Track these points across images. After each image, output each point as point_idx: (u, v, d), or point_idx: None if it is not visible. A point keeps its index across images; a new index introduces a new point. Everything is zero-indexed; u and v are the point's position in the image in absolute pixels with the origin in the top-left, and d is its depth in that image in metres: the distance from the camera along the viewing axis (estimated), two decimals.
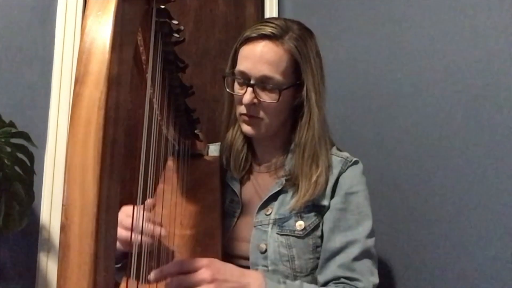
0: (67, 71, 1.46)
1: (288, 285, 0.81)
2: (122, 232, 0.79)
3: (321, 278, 0.89)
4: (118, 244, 0.83)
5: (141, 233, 0.77)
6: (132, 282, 0.69)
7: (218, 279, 0.74)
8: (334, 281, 0.88)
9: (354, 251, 0.89)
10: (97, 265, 0.42)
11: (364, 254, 0.89)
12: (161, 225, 0.82)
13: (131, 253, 0.63)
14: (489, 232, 0.95)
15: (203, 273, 0.73)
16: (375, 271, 0.90)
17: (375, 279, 0.89)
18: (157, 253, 0.82)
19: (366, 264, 0.89)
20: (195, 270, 0.73)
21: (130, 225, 0.78)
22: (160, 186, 0.95)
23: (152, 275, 0.72)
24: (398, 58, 1.23)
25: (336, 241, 0.90)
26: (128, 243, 0.79)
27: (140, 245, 0.75)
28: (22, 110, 1.40)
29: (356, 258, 0.88)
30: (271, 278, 0.82)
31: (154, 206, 0.85)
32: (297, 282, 0.85)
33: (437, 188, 1.07)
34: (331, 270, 0.88)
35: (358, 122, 1.34)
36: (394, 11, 1.25)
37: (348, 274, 0.87)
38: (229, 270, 0.77)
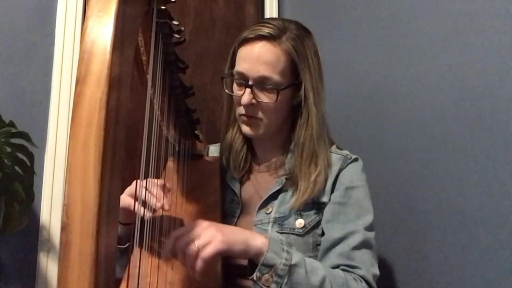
0: (67, 71, 1.46)
1: (290, 250, 0.81)
2: (126, 199, 0.83)
3: None
4: (122, 216, 0.86)
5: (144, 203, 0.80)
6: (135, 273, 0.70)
7: (225, 233, 0.75)
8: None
9: (353, 240, 0.88)
10: (97, 265, 0.42)
11: (364, 244, 0.89)
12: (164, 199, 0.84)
13: (135, 223, 0.64)
14: (489, 230, 0.95)
15: (208, 232, 0.74)
16: (375, 264, 0.90)
17: (376, 271, 0.88)
18: (160, 223, 0.84)
19: (366, 255, 0.88)
20: (198, 234, 0.74)
21: (134, 193, 0.82)
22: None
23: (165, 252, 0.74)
24: (397, 58, 1.23)
25: (335, 232, 0.89)
26: (132, 211, 0.82)
27: (143, 215, 0.78)
28: (22, 110, 1.40)
29: (356, 247, 0.88)
30: (275, 242, 0.81)
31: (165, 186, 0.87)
32: (300, 254, 0.83)
33: (436, 187, 1.08)
34: (331, 259, 0.88)
35: (358, 122, 1.35)
36: (394, 10, 1.26)
37: (348, 262, 0.86)
38: (232, 228, 0.80)
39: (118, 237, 0.88)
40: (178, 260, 0.74)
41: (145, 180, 0.79)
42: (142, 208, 0.79)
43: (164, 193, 0.84)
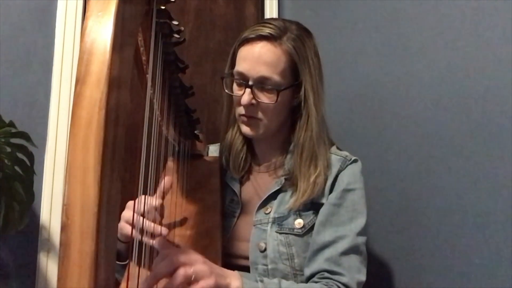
0: (67, 71, 1.46)
1: (265, 283, 0.80)
2: (125, 227, 0.83)
3: (308, 270, 0.89)
4: (122, 237, 0.85)
5: (142, 227, 0.79)
6: (133, 280, 0.70)
7: (214, 273, 0.73)
8: (318, 275, 0.87)
9: (342, 245, 0.88)
10: (97, 265, 0.42)
11: (353, 250, 0.89)
12: (161, 224, 0.83)
13: (132, 250, 0.63)
14: (489, 231, 0.95)
15: (204, 268, 0.72)
16: (363, 269, 0.90)
17: (361, 277, 0.89)
18: (160, 224, 0.83)
19: (354, 260, 0.89)
20: (190, 263, 0.71)
21: (131, 219, 0.82)
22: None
23: (145, 284, 0.70)
24: (398, 58, 1.23)
25: (326, 235, 0.90)
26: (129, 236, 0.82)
27: (141, 241, 0.77)
28: (22, 110, 1.40)
29: (344, 253, 0.88)
30: (248, 277, 0.81)
31: (170, 186, 0.86)
32: (275, 280, 0.83)
33: (436, 187, 1.08)
34: (318, 263, 0.88)
35: (358, 122, 1.35)
36: (394, 11, 1.25)
37: (334, 268, 0.87)
38: (216, 267, 0.76)
39: (118, 252, 0.88)
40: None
41: (142, 201, 0.78)
42: (141, 232, 0.79)
43: (161, 216, 0.84)
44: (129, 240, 0.86)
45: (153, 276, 0.70)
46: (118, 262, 0.86)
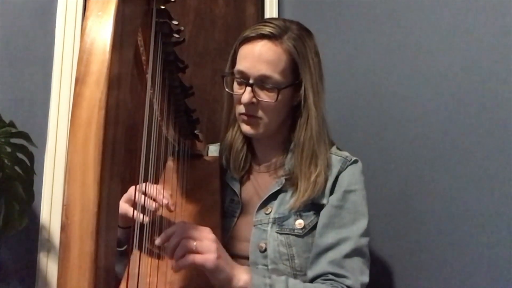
0: (67, 71, 1.46)
1: (273, 280, 0.81)
2: (123, 206, 0.84)
3: (311, 273, 0.89)
4: (121, 221, 0.87)
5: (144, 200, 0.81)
6: (134, 277, 0.70)
7: (221, 257, 0.76)
8: (322, 277, 0.88)
9: (345, 248, 0.89)
10: (97, 265, 0.42)
11: (356, 252, 0.89)
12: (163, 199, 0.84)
13: (134, 227, 0.64)
14: (489, 232, 0.96)
15: (211, 245, 0.75)
16: (366, 271, 0.90)
17: (365, 278, 0.89)
18: (159, 226, 0.84)
19: (357, 262, 0.89)
20: (201, 239, 0.75)
21: (131, 198, 0.83)
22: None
23: (158, 240, 0.75)
24: (398, 58, 1.23)
25: (328, 237, 0.90)
26: (130, 217, 0.83)
27: (143, 215, 0.79)
28: (22, 110, 1.40)
29: (347, 255, 0.88)
30: (257, 272, 0.82)
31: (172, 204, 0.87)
32: (282, 278, 0.84)
33: (437, 188, 1.08)
34: (321, 265, 0.88)
35: (358, 122, 1.35)
36: (394, 11, 1.26)
37: (337, 270, 0.87)
38: (227, 256, 0.79)
39: (117, 239, 0.88)
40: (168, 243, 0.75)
41: (143, 184, 0.79)
42: (141, 213, 0.80)
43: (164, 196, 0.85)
44: (128, 225, 0.87)
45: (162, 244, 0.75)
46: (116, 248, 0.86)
